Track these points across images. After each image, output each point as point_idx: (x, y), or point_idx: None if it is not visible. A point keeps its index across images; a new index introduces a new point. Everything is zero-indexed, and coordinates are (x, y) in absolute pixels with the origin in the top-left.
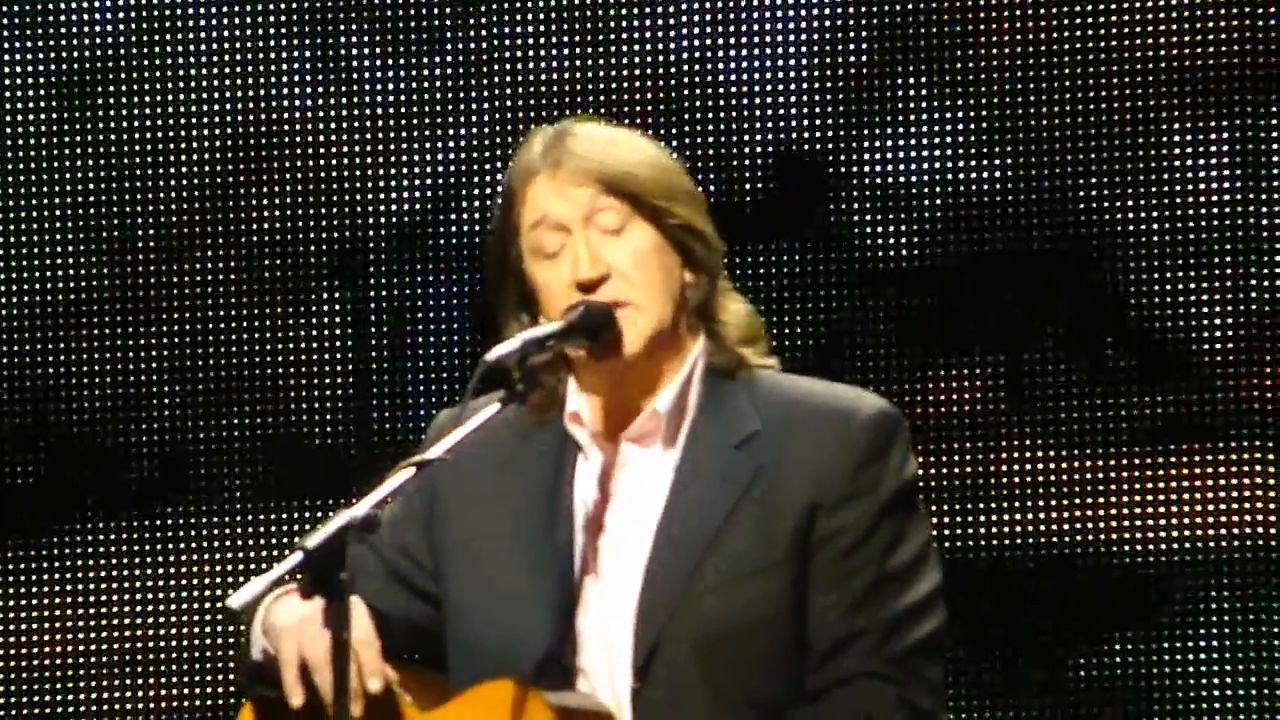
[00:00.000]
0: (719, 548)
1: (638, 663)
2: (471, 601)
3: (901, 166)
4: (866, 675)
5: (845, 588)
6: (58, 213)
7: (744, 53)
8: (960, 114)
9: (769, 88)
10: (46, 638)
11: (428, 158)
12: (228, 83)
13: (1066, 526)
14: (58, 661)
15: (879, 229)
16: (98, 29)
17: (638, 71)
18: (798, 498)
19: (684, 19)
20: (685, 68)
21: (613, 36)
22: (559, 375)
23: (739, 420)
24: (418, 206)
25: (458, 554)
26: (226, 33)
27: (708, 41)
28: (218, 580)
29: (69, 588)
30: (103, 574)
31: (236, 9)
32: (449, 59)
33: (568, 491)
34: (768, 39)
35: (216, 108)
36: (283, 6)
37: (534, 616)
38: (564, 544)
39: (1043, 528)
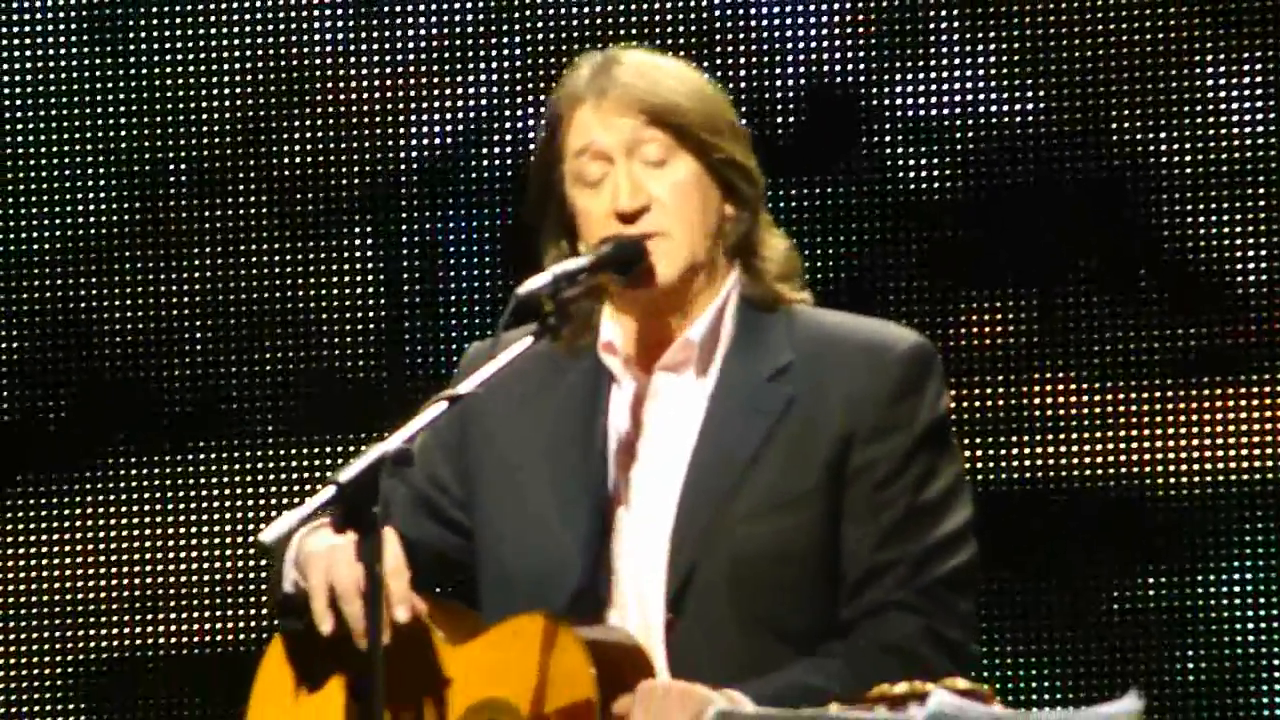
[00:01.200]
0: (751, 478)
1: (670, 594)
2: (504, 533)
3: (933, 100)
4: (894, 606)
5: (877, 520)
6: (88, 149)
7: None
8: (991, 46)
9: (800, 20)
10: (79, 573)
11: (459, 92)
12: (258, 18)
13: (1099, 459)
14: (90, 596)
15: (910, 162)
16: None
17: (669, 4)
18: (831, 429)
19: None
20: (719, 1)
21: None
22: (593, 304)
23: (772, 352)
24: (449, 141)
25: (490, 485)
26: None
27: None
28: (250, 515)
29: (101, 523)
30: (135, 509)
31: None
32: None
33: (601, 421)
34: None
35: (247, 43)
36: None
37: (567, 548)
38: (597, 474)
39: (1075, 460)
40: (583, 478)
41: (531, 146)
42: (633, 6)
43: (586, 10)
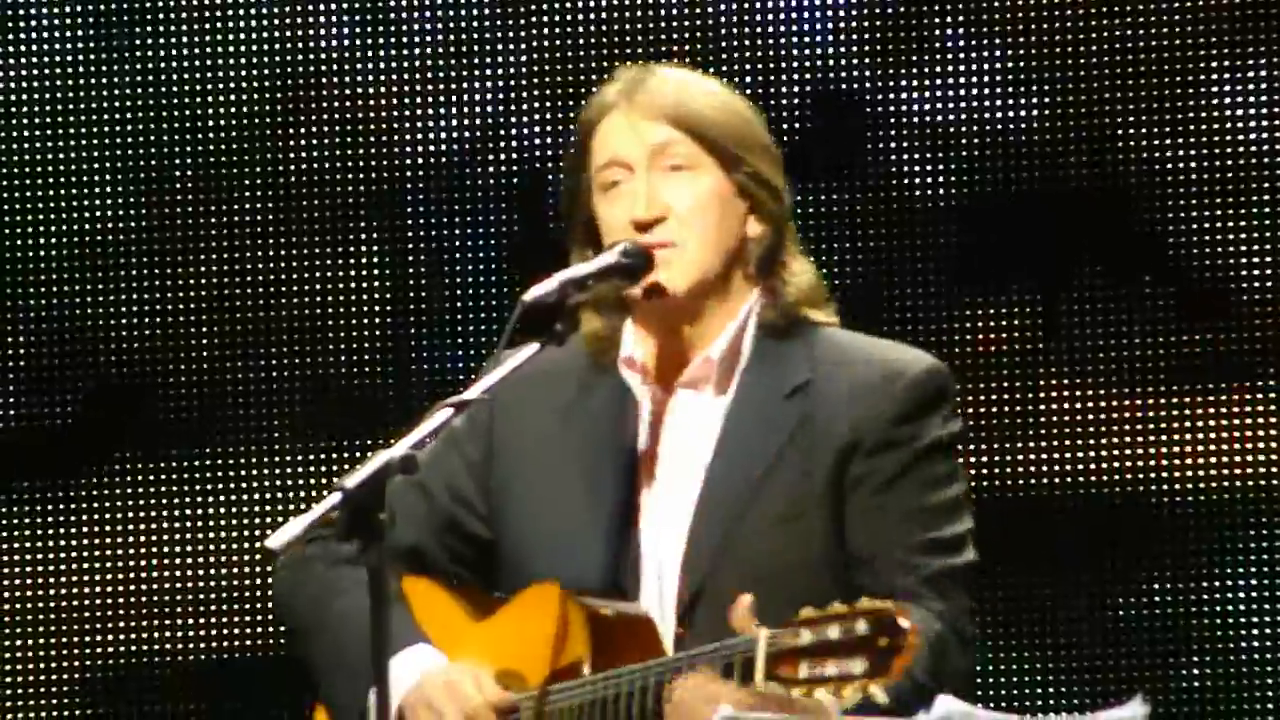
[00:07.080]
0: (762, 494)
1: (681, 608)
2: (530, 547)
3: (939, 105)
4: (905, 594)
5: (879, 523)
6: (98, 152)
7: None
8: (998, 52)
9: (805, 26)
10: (85, 578)
11: (467, 97)
12: (268, 22)
13: (1104, 465)
14: (96, 601)
15: (916, 167)
16: None
17: (677, 11)
18: (836, 441)
19: None
20: (724, 7)
21: None
22: (615, 321)
23: (791, 371)
24: (457, 146)
25: (517, 499)
26: None
27: None
28: (256, 521)
29: (107, 528)
30: (141, 514)
31: None
32: None
33: (625, 437)
34: None
35: (257, 47)
36: None
37: (590, 562)
38: (620, 490)
39: (1080, 465)
40: (607, 493)
41: (539, 153)
42: (639, 14)
43: (593, 17)
